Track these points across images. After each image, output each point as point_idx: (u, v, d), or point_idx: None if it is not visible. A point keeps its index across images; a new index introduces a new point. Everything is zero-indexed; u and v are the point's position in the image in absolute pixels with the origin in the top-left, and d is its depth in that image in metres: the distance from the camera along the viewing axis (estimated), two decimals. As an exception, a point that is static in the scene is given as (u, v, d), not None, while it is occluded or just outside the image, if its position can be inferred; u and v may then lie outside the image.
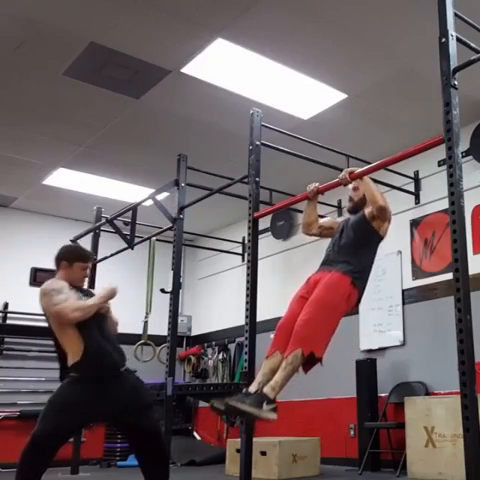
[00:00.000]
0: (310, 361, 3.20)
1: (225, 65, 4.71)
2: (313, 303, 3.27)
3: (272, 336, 3.37)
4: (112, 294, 3.25)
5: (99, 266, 6.50)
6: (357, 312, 6.32)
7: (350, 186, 3.68)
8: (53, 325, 3.12)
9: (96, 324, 3.12)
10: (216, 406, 3.00)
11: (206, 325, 8.48)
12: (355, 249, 3.48)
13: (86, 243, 6.43)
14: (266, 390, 3.00)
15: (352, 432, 6.06)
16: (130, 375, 3.18)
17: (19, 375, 7.21)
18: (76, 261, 3.30)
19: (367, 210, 3.55)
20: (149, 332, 5.47)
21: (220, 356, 8.05)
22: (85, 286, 3.49)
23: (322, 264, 3.57)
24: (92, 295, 3.30)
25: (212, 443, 7.77)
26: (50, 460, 2.93)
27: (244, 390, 3.16)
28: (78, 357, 3.02)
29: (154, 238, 5.72)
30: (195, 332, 8.73)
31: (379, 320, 6.11)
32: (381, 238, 3.56)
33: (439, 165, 5.58)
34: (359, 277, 3.41)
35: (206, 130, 5.69)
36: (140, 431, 3.11)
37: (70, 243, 3.56)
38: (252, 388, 3.09)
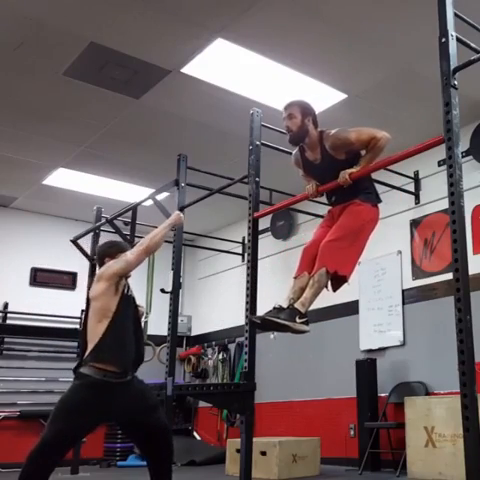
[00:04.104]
0: (337, 280, 3.44)
1: (225, 65, 4.72)
2: (338, 227, 3.45)
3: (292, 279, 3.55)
4: (177, 220, 3.39)
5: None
6: (357, 312, 6.33)
7: (284, 114, 3.60)
8: (95, 311, 3.07)
9: (132, 319, 3.16)
10: (253, 320, 3.34)
11: (206, 325, 8.48)
12: (354, 182, 3.48)
13: (86, 243, 6.44)
14: (297, 306, 3.28)
15: (352, 432, 6.06)
16: (135, 378, 3.18)
17: (19, 375, 7.21)
18: (118, 253, 3.28)
19: (329, 147, 3.50)
20: (149, 332, 5.47)
21: (220, 356, 8.06)
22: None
23: (337, 202, 3.63)
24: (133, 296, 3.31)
25: (212, 443, 7.78)
26: (58, 463, 2.93)
27: (276, 305, 3.36)
28: (93, 344, 2.99)
29: (154, 238, 5.72)
30: (195, 332, 8.74)
31: (379, 320, 6.11)
32: (360, 148, 3.52)
33: (439, 165, 5.58)
34: (372, 195, 3.57)
35: (206, 130, 5.69)
36: (149, 431, 3.12)
37: (107, 240, 3.57)
38: (284, 304, 3.34)
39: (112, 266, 3.12)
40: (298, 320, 3.24)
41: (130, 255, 3.15)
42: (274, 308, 3.33)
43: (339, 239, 3.38)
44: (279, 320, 3.20)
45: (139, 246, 3.20)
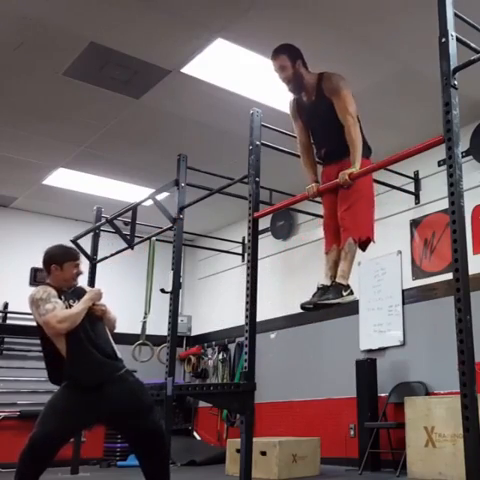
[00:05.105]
0: (363, 242, 3.63)
1: (225, 65, 4.72)
2: (348, 195, 3.54)
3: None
4: (97, 296, 3.24)
5: (99, 266, 6.51)
6: (357, 312, 6.32)
7: (274, 67, 3.69)
8: (47, 332, 3.08)
9: (84, 330, 3.09)
10: (306, 306, 3.50)
11: (206, 325, 8.48)
12: (345, 141, 3.52)
13: (86, 243, 6.44)
14: (339, 280, 3.51)
15: (352, 432, 6.06)
16: (129, 377, 3.15)
17: (19, 375, 7.20)
18: (66, 261, 3.26)
19: (323, 84, 3.59)
20: (149, 332, 5.47)
21: (220, 356, 8.05)
22: (78, 283, 3.44)
23: (329, 159, 3.72)
24: (84, 292, 3.26)
25: (212, 443, 7.77)
26: (49, 462, 2.92)
27: (319, 285, 3.56)
28: (66, 364, 3.03)
29: (154, 238, 5.72)
30: (195, 332, 8.73)
31: (379, 320, 6.11)
32: (337, 108, 3.60)
33: (439, 165, 5.58)
34: (364, 149, 3.58)
35: (206, 130, 5.69)
36: (142, 433, 3.10)
37: (53, 244, 3.47)
38: (325, 282, 3.56)
39: (39, 308, 3.04)
40: (344, 293, 3.47)
41: (54, 318, 2.99)
42: (318, 289, 3.52)
43: (352, 206, 3.52)
44: (330, 301, 3.44)
45: (68, 313, 3.06)
